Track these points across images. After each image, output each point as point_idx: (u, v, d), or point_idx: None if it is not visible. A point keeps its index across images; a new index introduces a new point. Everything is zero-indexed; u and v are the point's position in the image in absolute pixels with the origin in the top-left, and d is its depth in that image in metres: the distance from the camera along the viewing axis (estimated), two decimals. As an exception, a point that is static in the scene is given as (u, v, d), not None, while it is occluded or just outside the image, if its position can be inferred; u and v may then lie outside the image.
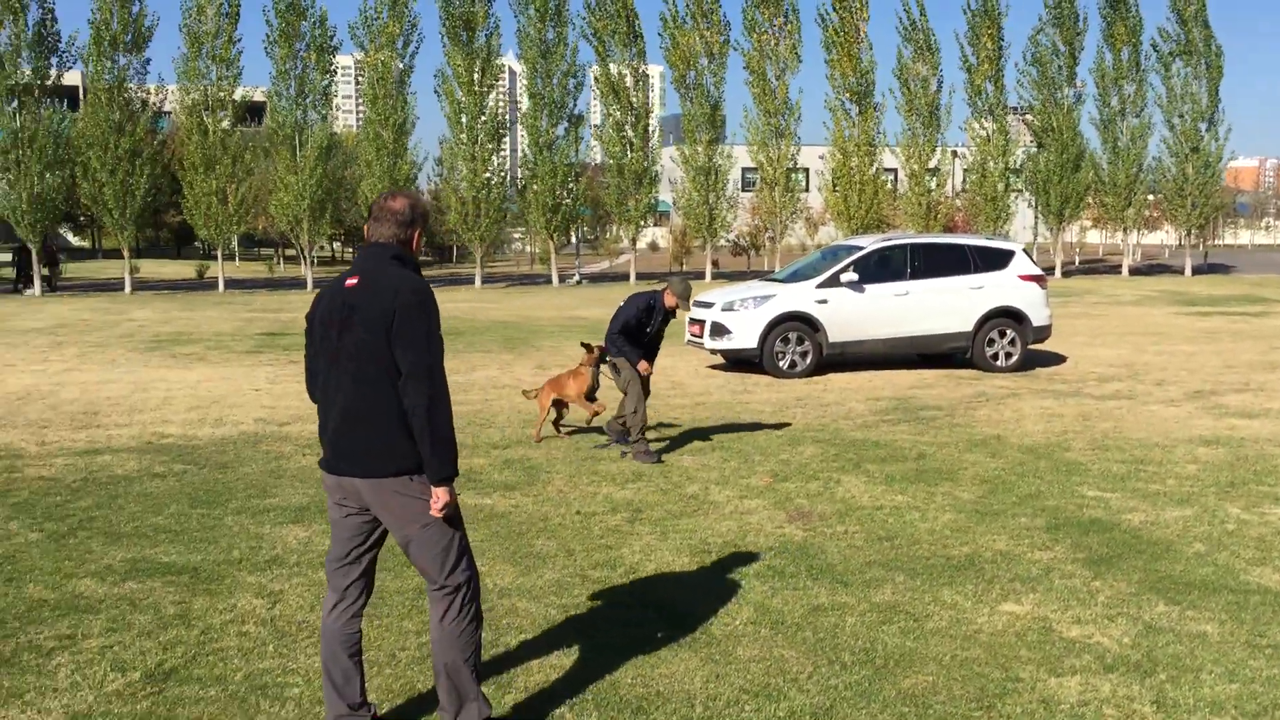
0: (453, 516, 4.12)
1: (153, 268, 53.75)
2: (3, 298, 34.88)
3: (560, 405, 10.61)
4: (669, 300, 9.92)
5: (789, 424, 11.36)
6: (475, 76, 39.73)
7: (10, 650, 5.15)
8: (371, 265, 4.11)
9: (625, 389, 9.78)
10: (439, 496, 4.01)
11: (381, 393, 3.97)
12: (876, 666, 5.02)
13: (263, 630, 5.44)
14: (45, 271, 37.47)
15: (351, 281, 4.08)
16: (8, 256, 44.18)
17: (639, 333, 9.93)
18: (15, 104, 35.30)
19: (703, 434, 10.81)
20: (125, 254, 39.06)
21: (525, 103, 41.33)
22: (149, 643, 5.25)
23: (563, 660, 5.09)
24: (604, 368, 10.29)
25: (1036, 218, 47.57)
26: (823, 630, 5.48)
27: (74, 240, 70.23)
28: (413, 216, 4.19)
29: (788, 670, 4.98)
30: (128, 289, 37.70)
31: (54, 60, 35.94)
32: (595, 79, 41.89)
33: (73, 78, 37.66)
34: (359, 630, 4.23)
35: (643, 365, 9.78)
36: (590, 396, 10.27)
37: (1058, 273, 46.14)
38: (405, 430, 3.96)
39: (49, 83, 35.81)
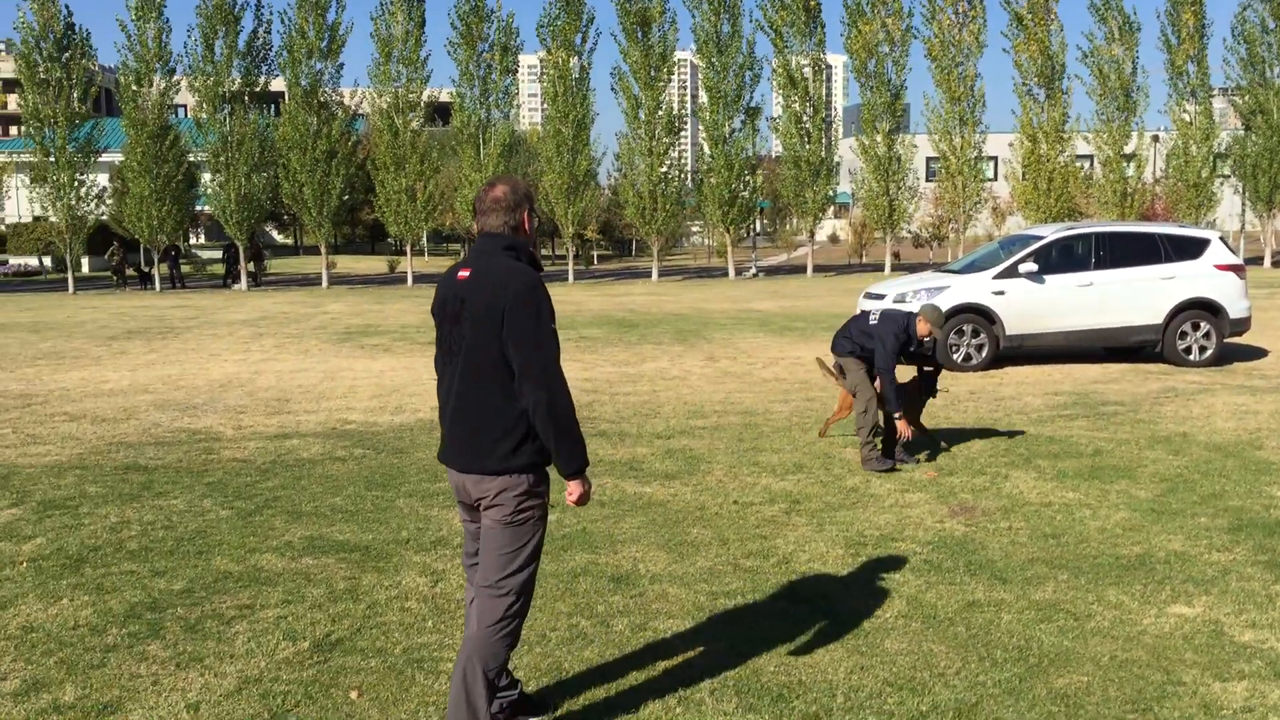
0: (535, 523, 4.05)
1: (348, 263, 56.41)
2: (213, 292, 37.31)
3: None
4: (922, 329, 8.99)
5: (960, 417, 11.08)
6: (651, 72, 40.09)
7: (195, 617, 5.55)
8: (484, 257, 4.03)
9: (854, 390, 9.15)
10: (573, 489, 4.00)
11: (490, 389, 3.93)
12: (1029, 665, 4.89)
13: (423, 607, 5.69)
14: (251, 267, 39.86)
15: (464, 274, 4.03)
16: (218, 253, 47.16)
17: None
18: (227, 110, 37.69)
19: (868, 427, 10.65)
20: (323, 250, 41.15)
21: (703, 96, 41.46)
22: (319, 614, 5.57)
23: (708, 646, 5.14)
24: (829, 367, 9.69)
25: (1244, 205, 44.72)
26: (976, 626, 5.36)
27: (278, 238, 74.27)
28: (516, 200, 4.07)
29: (935, 665, 4.90)
30: (324, 283, 39.70)
31: (263, 69, 38.21)
32: (773, 70, 41.64)
33: (277, 83, 39.85)
34: None
35: (900, 425, 8.86)
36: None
37: (1267, 262, 43.33)
38: (511, 429, 3.91)
39: (256, 89, 38.09)
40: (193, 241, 61.19)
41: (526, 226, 4.12)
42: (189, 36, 37.84)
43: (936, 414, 11.26)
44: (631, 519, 7.35)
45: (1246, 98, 41.63)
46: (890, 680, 4.74)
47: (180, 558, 6.53)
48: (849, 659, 4.97)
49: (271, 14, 38.83)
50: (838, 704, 4.52)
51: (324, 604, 5.73)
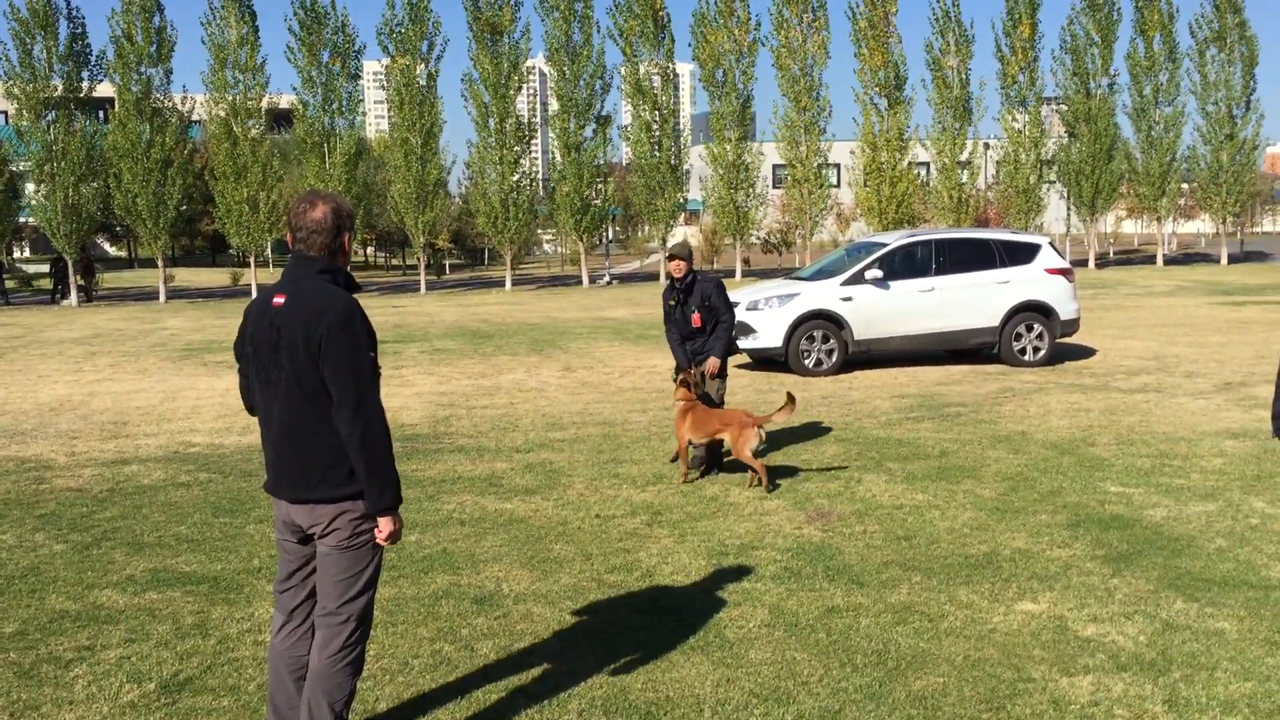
0: (372, 547, 3.96)
1: (188, 275, 54.36)
2: (40, 308, 35.42)
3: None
4: (669, 266, 9.28)
5: (813, 423, 11.32)
6: (502, 80, 39.86)
7: (30, 662, 5.23)
8: (300, 282, 3.88)
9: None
10: (383, 526, 3.89)
11: (313, 417, 3.82)
12: (888, 668, 5.00)
13: (278, 638, 5.49)
14: (81, 281, 38.00)
15: (278, 300, 3.87)
16: (45, 267, 44.83)
17: (678, 323, 9.34)
18: (50, 117, 35.84)
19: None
20: (160, 263, 39.52)
21: (554, 104, 41.43)
22: (166, 653, 5.32)
23: (574, 666, 5.10)
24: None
25: (1069, 209, 47.11)
26: (836, 632, 5.46)
27: (111, 250, 71.15)
28: (338, 223, 3.91)
29: (799, 673, 4.97)
30: (162, 298, 38.16)
31: (85, 74, 36.44)
32: (623, 79, 41.91)
33: (109, 90, 38.10)
34: (306, 652, 4.06)
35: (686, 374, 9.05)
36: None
37: (1091, 264, 45.72)
38: (342, 457, 3.83)
39: (80, 95, 36.32)
40: (16, 255, 58.10)
41: (346, 248, 3.98)
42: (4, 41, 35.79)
43: (790, 420, 11.48)
44: (493, 537, 7.26)
45: (1072, 106, 43.85)
46: (755, 691, 4.79)
47: (11, 597, 6.15)
48: (715, 671, 5.00)
49: (83, 17, 36.34)
50: (705, 718, 4.54)
51: (171, 641, 5.47)
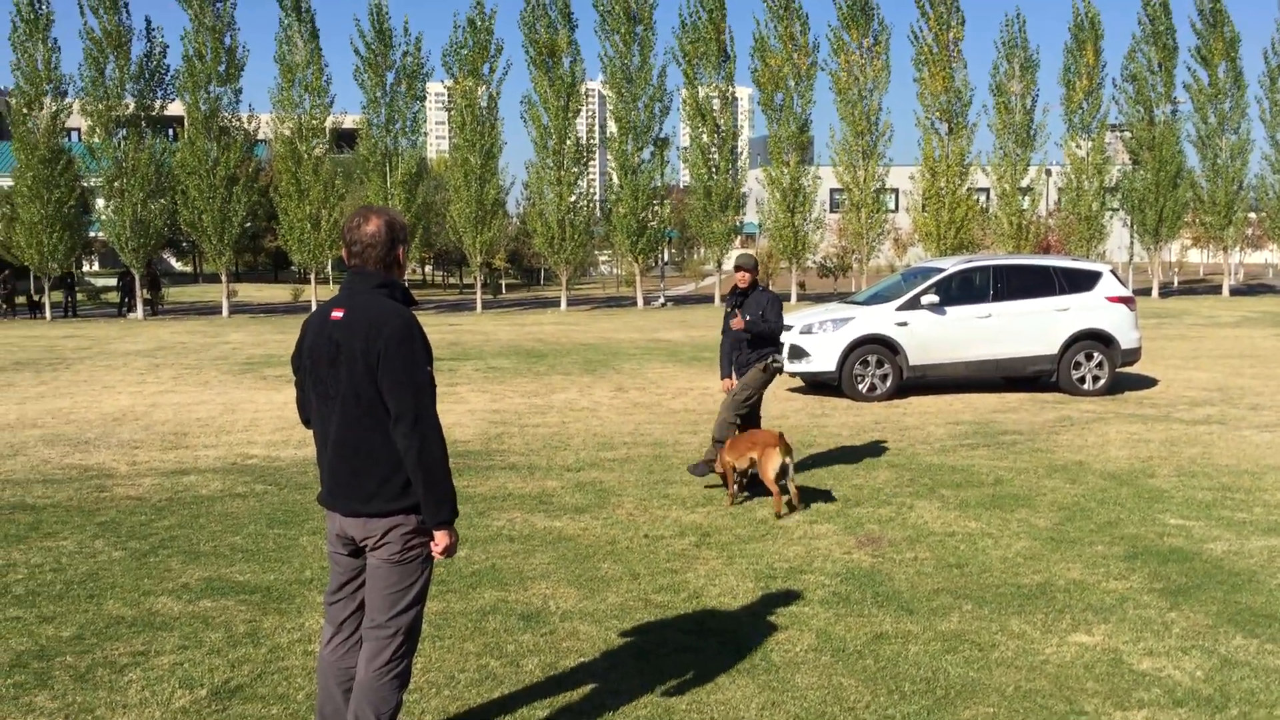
0: (423, 561, 4.00)
1: (251, 291, 55.29)
2: (108, 321, 36.22)
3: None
4: (735, 277, 9.56)
5: (865, 447, 11.23)
6: (560, 102, 40.19)
7: (86, 666, 5.33)
8: (358, 296, 3.94)
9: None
10: (439, 539, 3.92)
11: (370, 431, 3.86)
12: (936, 697, 4.94)
13: (327, 649, 5.54)
14: (148, 295, 38.81)
15: (337, 314, 3.93)
16: (113, 281, 45.84)
17: (729, 330, 9.53)
18: (121, 134, 36.74)
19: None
20: (223, 278, 40.26)
21: (612, 126, 41.68)
22: (218, 660, 5.39)
23: (620, 685, 5.09)
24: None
25: (1133, 237, 46.41)
26: (884, 659, 5.40)
27: (177, 265, 72.54)
28: (392, 237, 3.97)
29: (845, 699, 4.92)
30: (225, 312, 38.84)
31: (158, 92, 37.34)
32: (683, 102, 42.07)
33: (179, 109, 38.97)
34: (355, 664, 4.08)
35: (724, 384, 9.51)
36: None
37: (1154, 293, 44.96)
38: (396, 470, 3.87)
39: (152, 114, 37.20)
40: (86, 269, 59.49)
41: (401, 261, 4.05)
42: (81, 59, 36.80)
43: (843, 445, 11.41)
44: (541, 554, 7.28)
45: (1136, 133, 43.29)
46: (801, 716, 4.75)
47: (70, 602, 6.28)
48: (760, 695, 4.97)
49: (162, 36, 37.32)
50: (749, 741, 4.51)
51: (223, 649, 5.55)
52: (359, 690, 3.98)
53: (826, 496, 8.94)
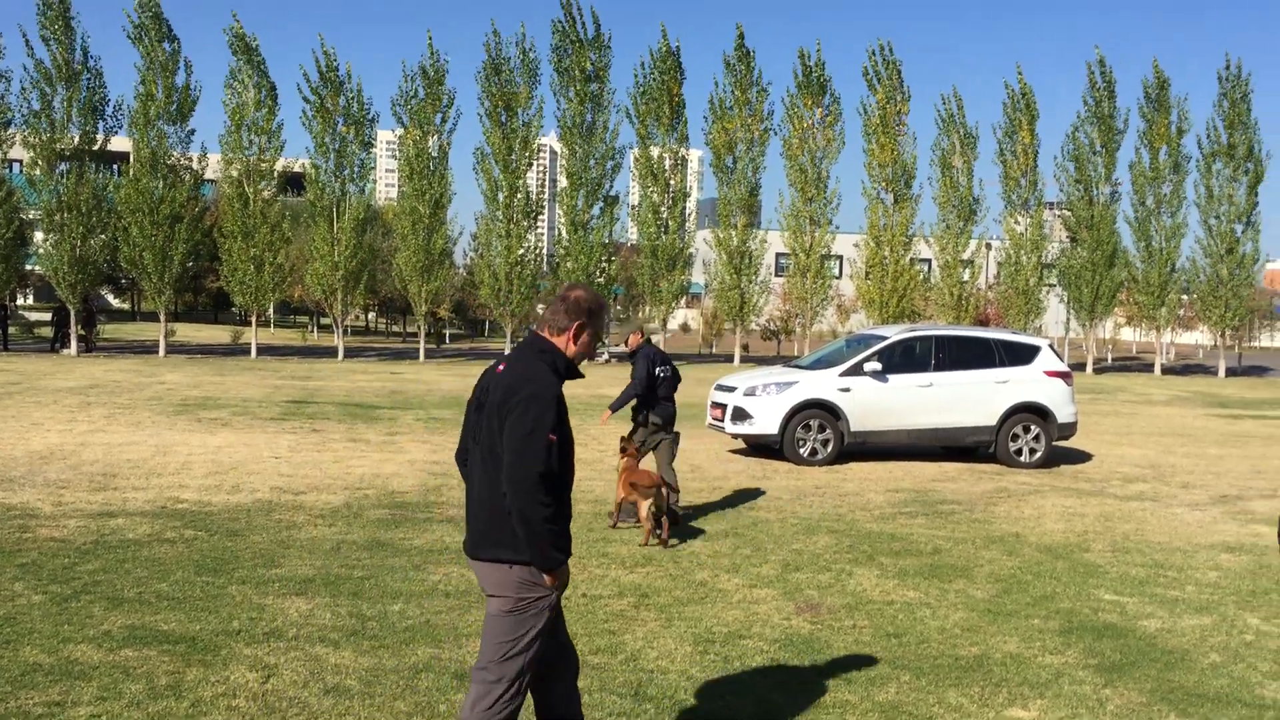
0: (536, 615, 4.08)
1: (189, 331, 54.44)
2: (39, 356, 35.39)
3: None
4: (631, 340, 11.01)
5: (806, 512, 11.24)
6: (512, 155, 40.34)
7: (-2, 715, 5.12)
8: (520, 355, 4.19)
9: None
10: (548, 580, 4.08)
11: (499, 481, 4.01)
12: (873, 770, 4.89)
13: (252, 705, 5.38)
14: (82, 331, 38.02)
15: (501, 368, 4.20)
16: (47, 316, 44.91)
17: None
18: (64, 168, 36.18)
19: (717, 519, 10.72)
20: (162, 317, 39.59)
21: (563, 181, 41.88)
22: (137, 713, 5.20)
23: (553, 749, 4.97)
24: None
25: (1069, 313, 47.38)
26: (821, 729, 5.35)
27: (114, 302, 71.33)
28: (579, 309, 4.18)
29: (782, 770, 4.86)
30: (162, 351, 38.14)
31: (100, 126, 36.85)
32: (635, 160, 42.40)
33: (123, 143, 38.46)
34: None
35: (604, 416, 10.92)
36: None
37: (1089, 369, 45.83)
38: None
39: (95, 148, 36.69)
40: (20, 302, 58.24)
41: (574, 336, 4.19)
42: (24, 89, 36.14)
43: (783, 509, 11.41)
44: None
45: (1074, 212, 44.38)
46: (737, 786, 4.67)
47: (-16, 648, 6.04)
48: (696, 763, 4.89)
49: (100, 69, 36.85)
50: (684, 812, 4.43)
51: (143, 701, 5.36)
52: None
53: (777, 563, 8.91)
